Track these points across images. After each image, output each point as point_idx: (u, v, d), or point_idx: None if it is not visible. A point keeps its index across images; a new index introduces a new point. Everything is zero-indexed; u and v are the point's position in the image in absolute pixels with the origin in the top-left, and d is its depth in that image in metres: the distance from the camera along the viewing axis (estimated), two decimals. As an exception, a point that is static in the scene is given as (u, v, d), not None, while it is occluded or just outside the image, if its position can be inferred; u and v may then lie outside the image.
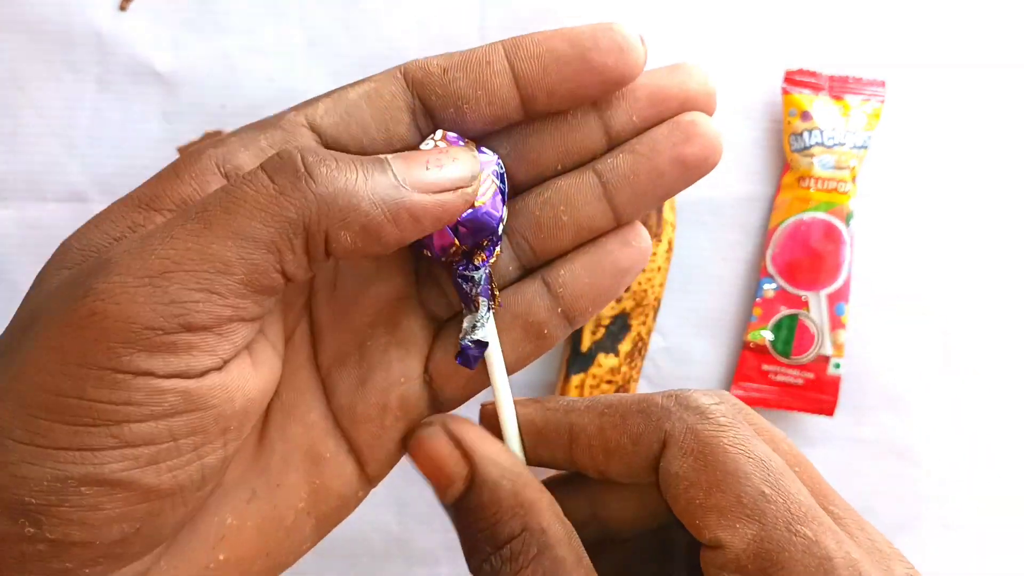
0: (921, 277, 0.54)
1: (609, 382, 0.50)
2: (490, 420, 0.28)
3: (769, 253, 0.52)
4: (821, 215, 0.52)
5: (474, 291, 0.27)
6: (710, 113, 0.27)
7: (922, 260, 0.54)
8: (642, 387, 0.53)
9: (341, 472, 0.27)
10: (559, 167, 0.28)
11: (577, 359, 0.51)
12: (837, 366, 0.52)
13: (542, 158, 0.27)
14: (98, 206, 0.52)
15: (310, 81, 0.51)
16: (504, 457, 0.26)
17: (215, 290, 0.21)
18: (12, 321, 0.24)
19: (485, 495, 0.25)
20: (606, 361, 0.50)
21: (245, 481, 0.26)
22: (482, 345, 0.27)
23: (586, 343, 0.51)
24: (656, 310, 0.51)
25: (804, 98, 0.52)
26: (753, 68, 0.53)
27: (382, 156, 0.23)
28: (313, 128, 0.25)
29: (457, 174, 0.24)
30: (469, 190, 0.24)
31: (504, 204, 0.27)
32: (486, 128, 0.26)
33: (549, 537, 0.24)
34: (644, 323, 0.51)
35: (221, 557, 0.25)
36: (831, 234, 0.52)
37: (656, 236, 0.50)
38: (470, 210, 0.25)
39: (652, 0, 0.53)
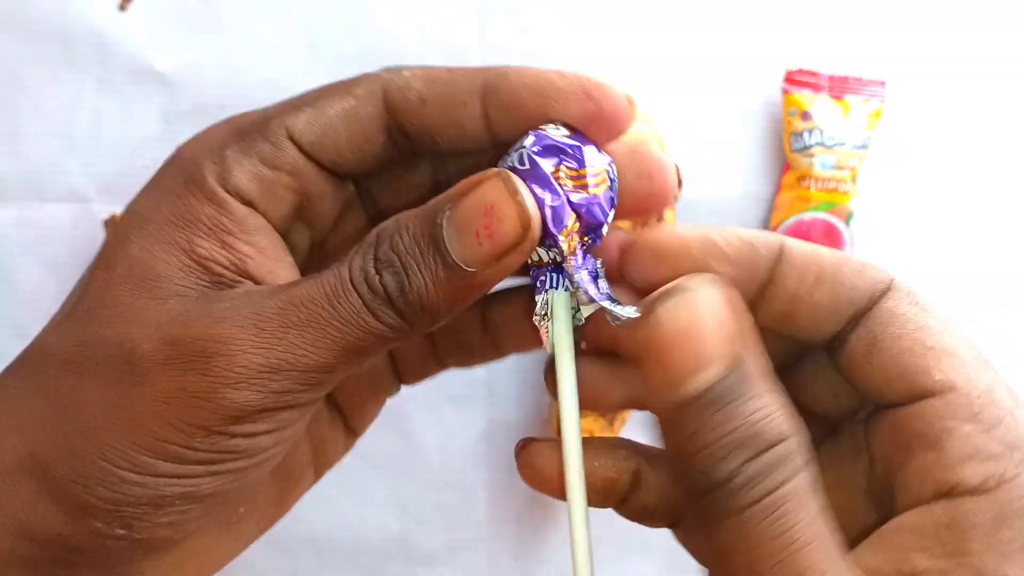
0: (921, 277, 0.54)
1: (609, 382, 0.50)
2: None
3: (769, 253, 0.52)
4: (821, 215, 0.52)
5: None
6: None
7: (922, 260, 0.54)
8: (642, 387, 0.53)
9: (333, 426, 0.31)
10: None
11: (577, 359, 0.51)
12: (837, 366, 0.52)
13: None
14: (98, 206, 0.52)
15: (310, 81, 0.51)
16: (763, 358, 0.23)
17: (311, 383, 0.24)
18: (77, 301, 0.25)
19: (735, 397, 0.21)
20: (606, 361, 0.50)
21: None
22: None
23: (586, 343, 0.51)
24: (656, 310, 0.51)
25: (804, 98, 0.52)
26: (753, 68, 0.53)
27: (438, 226, 0.23)
28: (294, 142, 0.26)
29: (510, 234, 0.23)
30: (527, 244, 0.24)
31: (612, 208, 0.26)
32: (459, 151, 0.27)
33: (807, 450, 0.22)
34: (644, 323, 0.51)
35: (242, 510, 0.27)
36: (831, 234, 0.52)
37: (656, 236, 0.50)
38: (585, 196, 0.25)
39: (652, 1, 0.53)
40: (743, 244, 0.26)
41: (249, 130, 0.26)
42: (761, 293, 0.26)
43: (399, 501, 0.53)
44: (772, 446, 0.21)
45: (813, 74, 0.52)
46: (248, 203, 0.25)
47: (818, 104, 0.52)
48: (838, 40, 0.53)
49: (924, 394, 0.23)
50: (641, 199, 0.26)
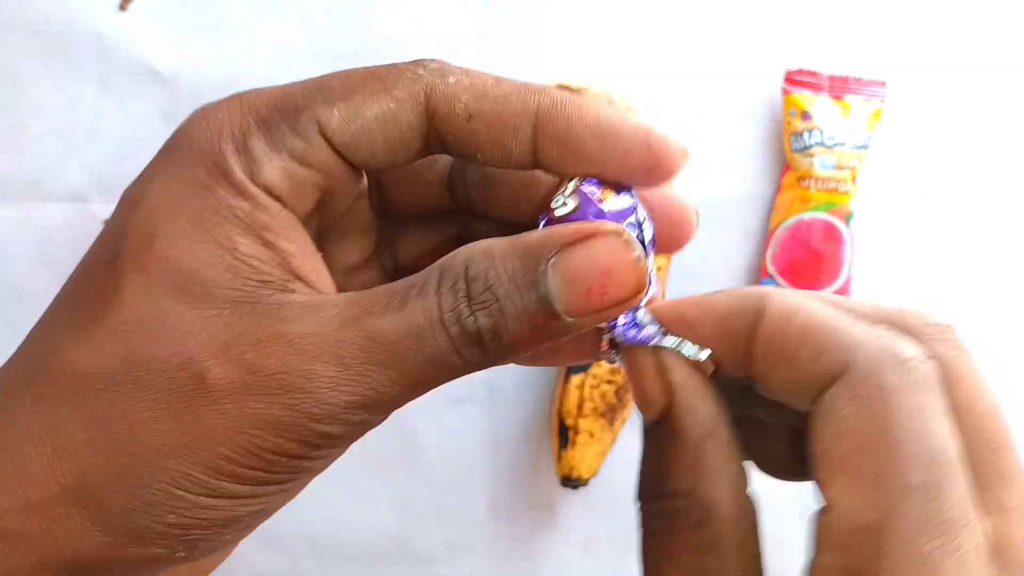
0: (921, 277, 0.54)
1: (609, 382, 0.50)
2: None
3: (769, 253, 0.52)
4: (821, 215, 0.52)
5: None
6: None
7: (922, 260, 0.54)
8: (642, 387, 0.53)
9: None
10: None
11: (577, 359, 0.51)
12: (837, 366, 0.52)
13: None
14: (98, 206, 0.52)
15: (310, 81, 0.51)
16: (704, 407, 0.23)
17: (385, 412, 0.24)
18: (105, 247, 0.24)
19: (669, 438, 0.23)
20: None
21: None
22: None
23: (586, 343, 0.51)
24: (656, 310, 0.51)
25: (804, 98, 0.52)
26: (753, 68, 0.53)
27: (542, 272, 0.22)
28: (327, 139, 0.24)
29: (625, 296, 0.23)
30: (634, 303, 0.23)
31: (653, 251, 0.25)
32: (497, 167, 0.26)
33: (714, 512, 0.22)
34: (644, 323, 0.51)
35: None
36: (831, 234, 0.52)
37: (656, 236, 0.50)
38: None
39: (653, 0, 0.53)
40: (717, 320, 0.24)
41: (274, 119, 0.24)
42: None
43: (399, 501, 0.53)
44: (670, 497, 0.23)
45: (813, 74, 0.52)
46: (276, 199, 0.24)
47: (818, 104, 0.52)
48: (838, 40, 0.53)
49: (823, 499, 0.21)
50: (665, 243, 0.26)
